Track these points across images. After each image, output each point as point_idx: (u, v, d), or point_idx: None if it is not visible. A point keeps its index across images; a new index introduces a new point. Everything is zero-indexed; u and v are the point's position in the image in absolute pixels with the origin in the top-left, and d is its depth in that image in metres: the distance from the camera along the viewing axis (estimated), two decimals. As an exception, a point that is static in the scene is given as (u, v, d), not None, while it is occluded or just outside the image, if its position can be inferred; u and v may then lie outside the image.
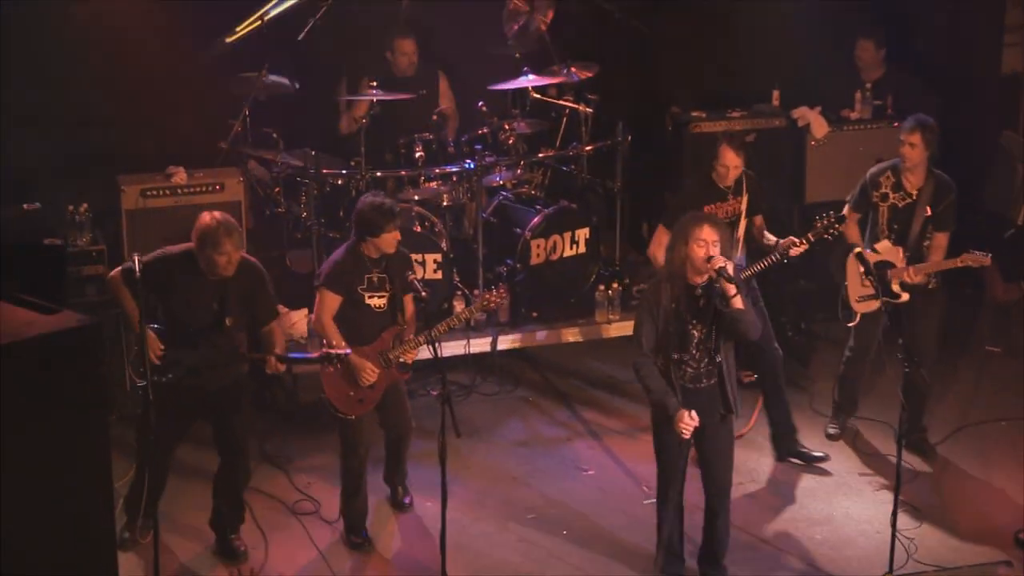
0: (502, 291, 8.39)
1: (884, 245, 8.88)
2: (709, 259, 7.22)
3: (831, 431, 9.34)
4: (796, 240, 8.64)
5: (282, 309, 9.56)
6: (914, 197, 8.84)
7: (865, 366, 9.20)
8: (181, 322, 7.66)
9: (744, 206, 8.75)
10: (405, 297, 8.16)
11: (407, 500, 8.58)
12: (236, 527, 8.13)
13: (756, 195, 8.84)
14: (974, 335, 10.70)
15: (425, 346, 7.90)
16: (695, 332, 7.35)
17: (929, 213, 8.82)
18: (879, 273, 8.66)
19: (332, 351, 7.79)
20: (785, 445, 9.09)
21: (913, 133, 8.75)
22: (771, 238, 8.82)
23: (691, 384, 7.40)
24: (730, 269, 7.22)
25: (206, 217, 7.65)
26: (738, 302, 7.25)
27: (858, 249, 8.53)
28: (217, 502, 8.09)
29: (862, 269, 8.48)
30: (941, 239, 8.85)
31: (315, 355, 8.01)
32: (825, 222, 8.61)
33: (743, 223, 8.77)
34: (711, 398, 7.43)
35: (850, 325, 9.02)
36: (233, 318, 7.74)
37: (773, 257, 8.70)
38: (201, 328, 7.68)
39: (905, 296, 8.84)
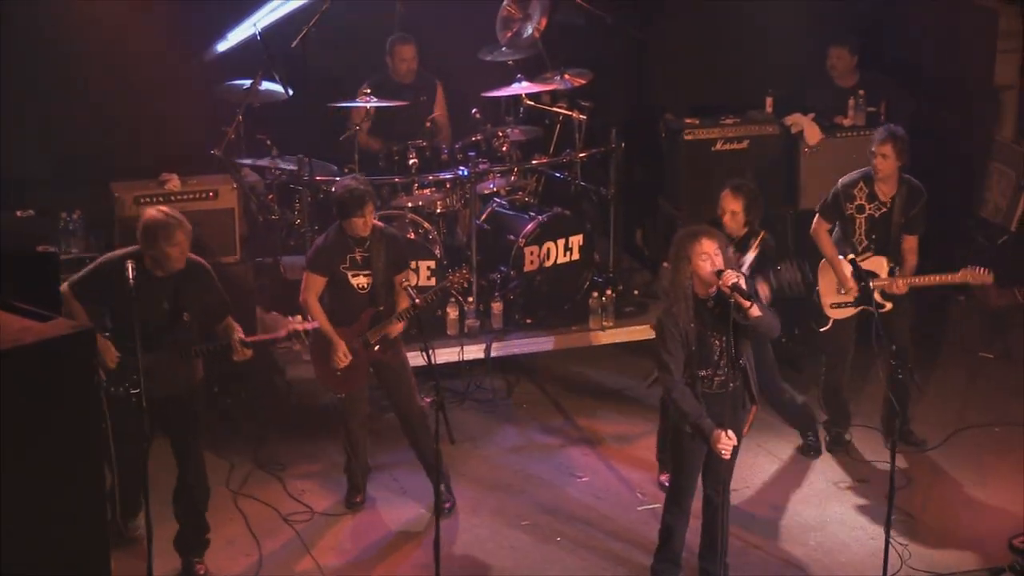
0: (466, 271, 8.68)
1: (878, 261, 8.91)
2: (719, 273, 7.22)
3: (830, 445, 9.35)
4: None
5: (276, 316, 9.58)
6: (888, 206, 8.87)
7: (844, 373, 9.23)
8: (133, 326, 7.34)
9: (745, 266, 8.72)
10: (396, 279, 8.35)
11: (446, 505, 8.48)
12: (200, 552, 8.02)
13: (764, 257, 8.70)
14: (968, 341, 10.70)
15: (420, 353, 7.92)
16: (716, 343, 7.36)
17: (903, 221, 8.86)
18: (866, 286, 8.72)
19: (299, 327, 7.93)
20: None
21: (884, 144, 8.79)
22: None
23: (719, 390, 7.41)
24: (742, 283, 7.23)
25: (152, 211, 7.65)
26: (755, 311, 7.28)
27: (851, 256, 8.54)
28: (179, 520, 7.99)
29: (851, 271, 8.54)
30: (912, 242, 8.94)
31: (282, 333, 8.02)
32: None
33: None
34: (736, 396, 7.45)
35: (822, 330, 9.08)
36: (189, 314, 7.68)
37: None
38: (154, 330, 7.54)
39: (888, 306, 8.91)
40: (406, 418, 8.50)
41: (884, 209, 8.89)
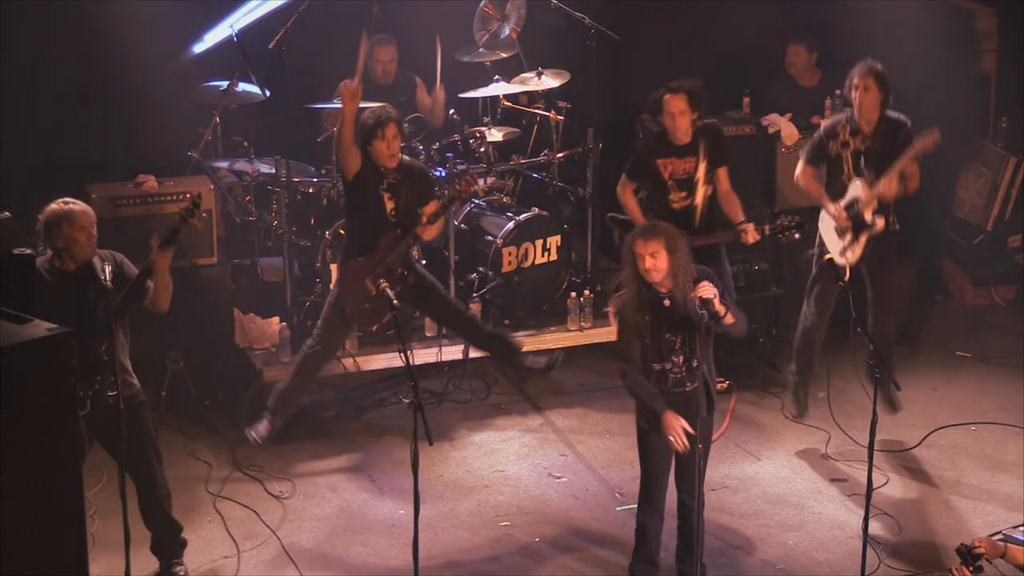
0: (471, 175, 9.03)
1: (856, 185, 8.85)
2: (695, 285, 7.22)
3: (794, 411, 9.44)
4: (753, 228, 8.86)
5: (254, 318, 9.57)
6: (872, 138, 8.82)
7: (820, 334, 9.17)
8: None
9: (703, 169, 8.76)
10: (424, 211, 8.66)
11: None
12: (178, 552, 7.97)
13: (715, 150, 8.85)
14: (945, 340, 10.74)
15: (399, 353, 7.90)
16: (674, 340, 7.38)
17: (890, 150, 8.79)
18: (853, 212, 8.78)
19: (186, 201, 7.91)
20: None
21: (867, 76, 8.71)
22: (740, 217, 8.97)
23: (675, 389, 7.42)
24: (716, 300, 7.21)
25: (52, 206, 7.50)
26: (729, 318, 7.30)
27: (830, 207, 8.61)
28: (150, 529, 7.91)
29: (844, 203, 8.65)
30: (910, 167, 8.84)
31: (175, 208, 8.27)
32: (786, 222, 8.75)
33: (701, 189, 8.79)
34: (693, 400, 7.44)
35: (840, 284, 9.02)
36: (103, 308, 7.34)
37: (726, 235, 8.89)
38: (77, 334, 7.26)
39: (880, 222, 8.80)
40: (454, 318, 8.71)
41: (869, 142, 8.82)
